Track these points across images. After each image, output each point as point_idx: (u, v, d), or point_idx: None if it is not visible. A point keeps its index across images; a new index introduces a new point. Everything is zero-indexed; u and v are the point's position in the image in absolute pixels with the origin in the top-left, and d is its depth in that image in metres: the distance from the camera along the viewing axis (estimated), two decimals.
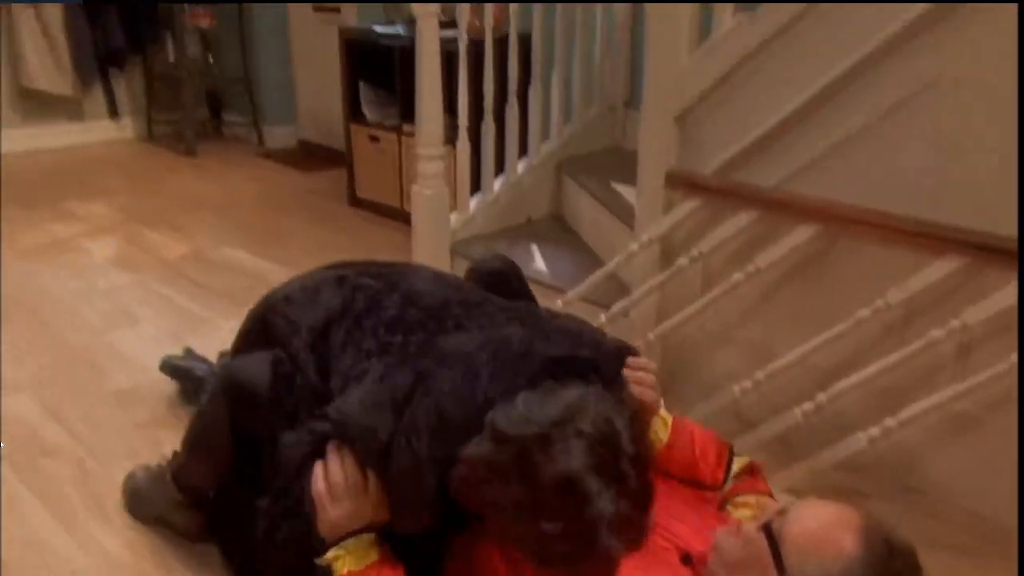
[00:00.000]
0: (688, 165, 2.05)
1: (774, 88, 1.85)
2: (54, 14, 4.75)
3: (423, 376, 1.26)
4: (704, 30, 2.02)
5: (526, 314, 1.45)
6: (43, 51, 4.78)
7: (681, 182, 2.01)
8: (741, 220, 1.91)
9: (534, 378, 1.19)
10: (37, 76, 4.80)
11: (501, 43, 2.90)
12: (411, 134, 3.56)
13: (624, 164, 3.04)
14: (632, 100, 3.26)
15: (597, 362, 1.27)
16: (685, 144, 2.04)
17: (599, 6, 3.12)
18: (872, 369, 1.70)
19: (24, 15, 4.68)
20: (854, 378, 1.72)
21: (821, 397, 1.76)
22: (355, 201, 4.02)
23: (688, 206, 2.00)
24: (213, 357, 2.33)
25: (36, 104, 4.94)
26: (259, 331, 1.55)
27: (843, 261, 1.83)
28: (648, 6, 2.01)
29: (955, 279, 1.64)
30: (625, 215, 2.58)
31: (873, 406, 1.75)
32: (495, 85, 2.90)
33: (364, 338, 1.40)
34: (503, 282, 1.65)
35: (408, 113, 3.53)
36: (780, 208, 1.83)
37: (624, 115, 3.28)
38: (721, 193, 1.94)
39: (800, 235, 1.80)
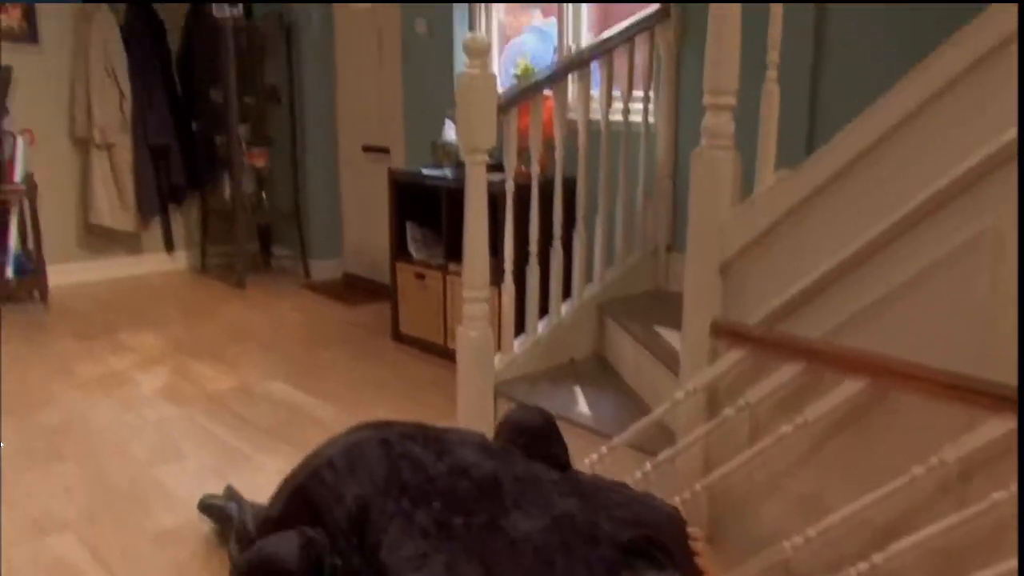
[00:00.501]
0: (733, 314, 2.07)
1: (817, 242, 1.89)
2: (124, 157, 5.04)
3: (492, 568, 1.23)
4: (747, 183, 2.09)
5: (577, 485, 1.44)
6: (111, 190, 5.06)
7: (726, 332, 2.03)
8: (787, 371, 1.91)
9: (611, 568, 1.18)
10: (103, 213, 5.05)
11: (546, 187, 3.00)
12: (456, 273, 3.67)
13: (666, 306, 3.08)
14: (674, 244, 3.32)
15: (665, 543, 1.26)
16: (729, 294, 2.07)
17: (641, 151, 3.23)
18: (929, 530, 1.66)
19: (98, 158, 4.98)
20: (911, 539, 1.67)
21: (876, 558, 1.71)
22: (398, 336, 4.08)
23: (733, 356, 2.01)
24: (254, 495, 2.34)
25: (99, 239, 5.18)
26: (299, 502, 1.52)
27: (894, 415, 1.81)
28: (692, 159, 2.09)
29: (1012, 437, 1.61)
30: (668, 359, 2.59)
31: (932, 568, 1.69)
32: (540, 228, 2.98)
33: (415, 512, 1.38)
34: (542, 438, 1.64)
35: (453, 252, 3.66)
36: (826, 361, 1.83)
37: (666, 259, 3.33)
38: (766, 344, 1.95)
39: (848, 389, 1.80)
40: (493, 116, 2.60)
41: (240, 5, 4.98)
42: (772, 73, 1.99)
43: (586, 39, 3.77)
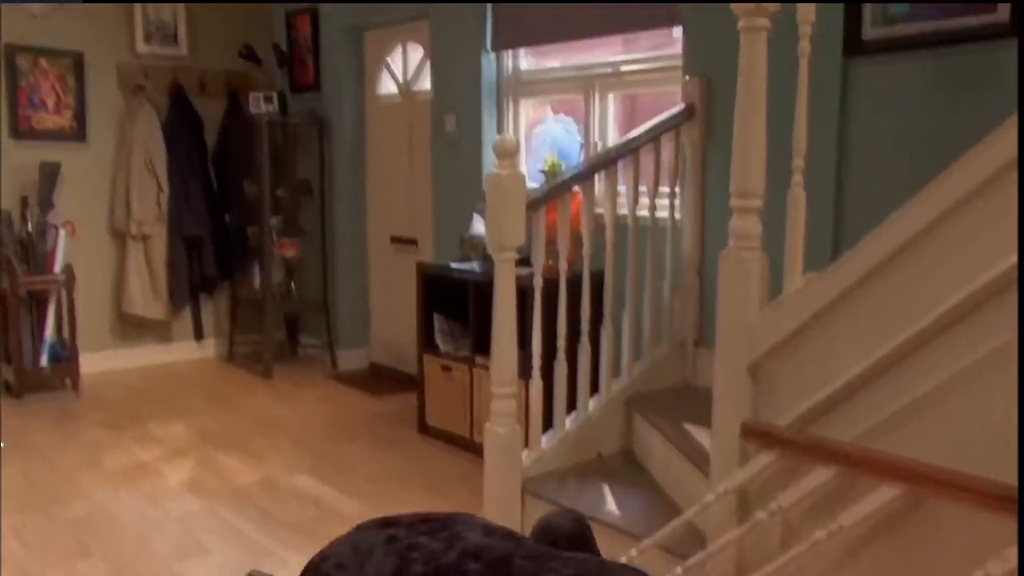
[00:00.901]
0: (763, 415, 2.06)
1: (846, 345, 1.89)
2: (159, 248, 5.18)
3: None
4: (775, 284, 2.11)
5: (590, 565, 1.42)
6: (144, 280, 5.18)
7: (756, 434, 2.02)
8: (820, 475, 1.88)
9: None
10: (136, 302, 5.16)
11: (574, 282, 3.03)
12: (483, 366, 3.69)
13: (695, 402, 3.07)
14: (701, 339, 3.33)
15: None
16: (759, 394, 2.07)
17: (668, 246, 3.27)
18: None
19: (134, 249, 5.12)
20: None
21: None
22: (424, 428, 4.07)
23: (764, 459, 1.99)
24: None
25: (131, 327, 5.28)
26: None
27: (933, 522, 1.77)
28: (720, 260, 2.11)
29: None
30: (698, 458, 2.57)
31: None
32: (568, 323, 3.00)
33: None
34: (576, 542, 1.61)
35: (480, 345, 3.68)
36: (861, 466, 1.81)
37: (694, 353, 3.33)
38: (797, 447, 1.93)
39: (884, 495, 1.77)
40: (522, 215, 2.66)
41: (275, 102, 5.17)
42: (798, 178, 2.03)
43: (612, 132, 3.87)
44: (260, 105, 5.15)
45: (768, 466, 2.00)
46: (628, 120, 3.98)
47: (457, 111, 4.40)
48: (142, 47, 5.16)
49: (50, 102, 4.90)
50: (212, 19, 5.41)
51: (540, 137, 4.30)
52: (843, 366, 1.89)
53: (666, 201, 3.30)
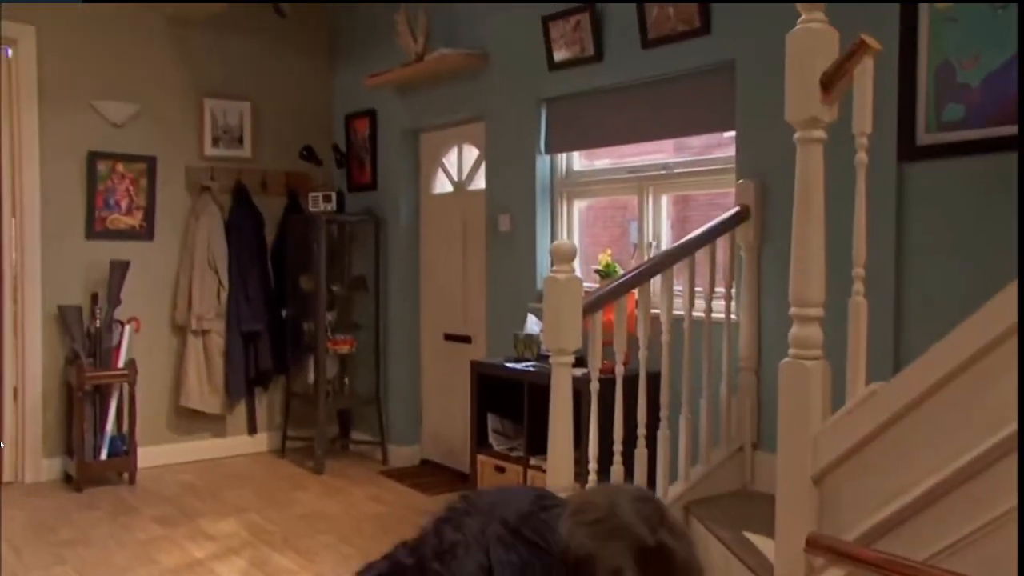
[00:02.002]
0: (828, 528, 2.02)
1: (916, 457, 1.86)
2: (217, 342, 5.31)
3: None
4: (839, 392, 2.09)
5: None
6: (202, 374, 5.30)
7: (823, 548, 1.98)
8: None
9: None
10: (193, 396, 5.27)
11: (630, 382, 3.04)
12: (537, 467, 3.67)
13: (754, 509, 3.01)
14: (760, 442, 3.29)
15: None
16: (824, 506, 2.03)
17: (724, 346, 3.27)
18: None
19: (193, 343, 5.26)
20: None
21: None
22: None
23: (834, 575, 1.95)
24: None
25: (187, 420, 5.37)
26: None
27: None
28: (781, 370, 2.11)
29: None
30: (760, 569, 2.51)
31: None
32: (624, 425, 2.99)
33: None
34: None
35: (534, 446, 3.67)
36: None
37: (752, 457, 3.29)
38: (867, 564, 1.89)
39: None
40: (579, 319, 2.69)
41: (333, 200, 5.34)
42: (859, 287, 2.04)
43: (666, 232, 3.92)
44: (319, 203, 5.33)
45: None
46: (681, 220, 4.03)
47: (511, 210, 4.51)
48: (210, 150, 5.41)
49: (123, 203, 5.15)
50: (275, 122, 5.66)
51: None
52: (913, 480, 1.86)
53: (722, 302, 3.31)
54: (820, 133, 2.07)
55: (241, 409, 5.56)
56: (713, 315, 3.27)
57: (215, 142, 5.43)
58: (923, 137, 2.79)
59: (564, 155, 4.38)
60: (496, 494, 1.57)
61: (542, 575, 1.41)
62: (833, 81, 2.00)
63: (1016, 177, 2.44)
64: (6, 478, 4.88)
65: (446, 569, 1.41)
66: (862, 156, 2.02)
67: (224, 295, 5.32)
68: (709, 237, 3.20)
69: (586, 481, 2.89)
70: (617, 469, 2.96)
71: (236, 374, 5.37)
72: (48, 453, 4.96)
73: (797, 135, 2.10)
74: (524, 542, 1.43)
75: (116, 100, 5.10)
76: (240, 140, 5.52)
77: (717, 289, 3.33)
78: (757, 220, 3.30)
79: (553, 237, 4.37)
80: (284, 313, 5.58)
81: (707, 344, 3.23)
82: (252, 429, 5.61)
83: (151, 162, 5.20)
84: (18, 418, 4.91)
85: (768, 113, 3.23)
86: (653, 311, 3.24)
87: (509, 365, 3.95)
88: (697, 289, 3.29)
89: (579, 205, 4.40)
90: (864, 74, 2.02)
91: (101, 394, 4.91)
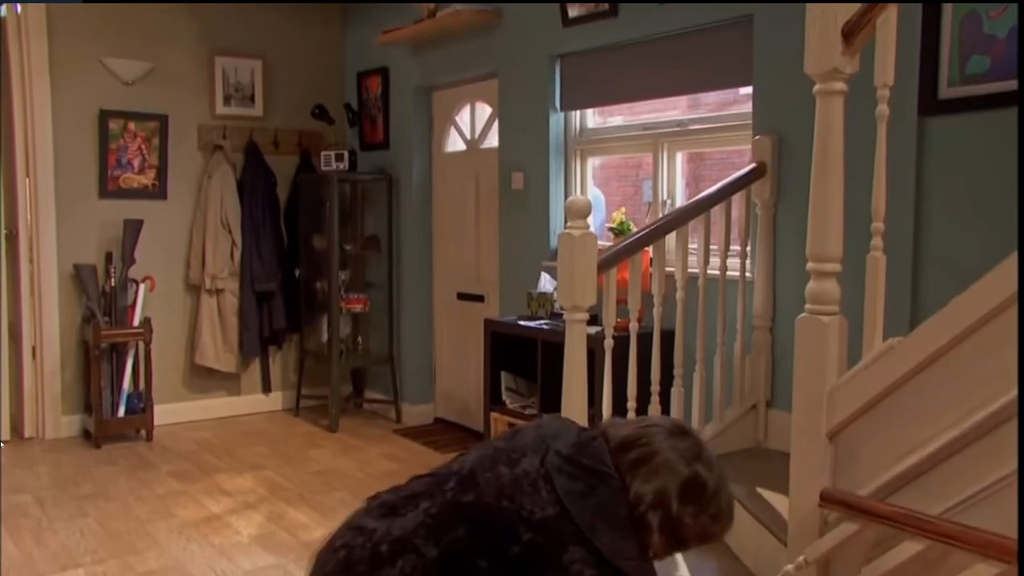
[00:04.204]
0: (843, 483, 2.02)
1: (933, 412, 1.85)
2: (231, 301, 5.33)
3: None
4: (854, 349, 2.08)
5: None
6: (217, 333, 5.33)
7: (838, 502, 1.98)
8: (907, 549, 1.84)
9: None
10: (208, 355, 5.30)
11: (644, 341, 3.04)
12: None
13: (767, 466, 3.02)
14: (773, 400, 3.28)
15: None
16: (839, 462, 2.03)
17: (739, 304, 3.26)
18: None
19: (207, 303, 5.28)
20: None
21: None
22: None
23: (847, 529, 1.95)
24: None
25: (202, 379, 5.41)
26: None
27: None
28: (797, 326, 2.10)
29: None
30: (773, 525, 2.52)
31: None
32: (637, 382, 3.00)
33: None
34: None
35: (548, 403, 3.68)
36: (952, 541, 1.76)
37: (766, 415, 3.29)
38: (882, 518, 1.89)
39: (982, 573, 1.71)
40: (593, 275, 2.68)
41: (346, 159, 5.32)
42: (877, 242, 2.02)
43: (680, 190, 3.89)
44: (331, 162, 5.31)
45: (851, 537, 1.95)
46: (696, 178, 4.01)
47: (524, 168, 4.48)
48: (221, 108, 5.38)
49: (136, 162, 5.13)
50: (287, 80, 5.62)
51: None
52: (929, 435, 1.85)
53: (737, 260, 3.29)
54: (840, 85, 2.03)
55: (255, 368, 5.60)
56: (728, 273, 3.25)
57: (227, 100, 5.40)
58: (945, 91, 2.74)
59: (578, 112, 4.35)
60: (537, 429, 1.60)
61: (610, 498, 1.46)
62: (855, 31, 1.95)
63: None
64: (27, 434, 4.95)
65: (514, 504, 1.44)
66: (883, 109, 1.99)
67: (237, 254, 5.33)
68: (725, 194, 3.17)
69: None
70: None
71: (250, 333, 5.40)
72: (68, 410, 5.02)
73: (817, 87, 2.06)
74: (584, 469, 1.47)
75: (127, 58, 5.07)
76: (252, 98, 5.49)
77: (732, 247, 3.31)
78: (773, 177, 3.26)
79: (567, 195, 4.35)
80: (297, 272, 5.59)
81: (722, 302, 3.22)
82: (266, 388, 5.65)
83: (163, 121, 5.18)
84: (37, 376, 4.96)
85: (785, 68, 3.19)
86: (668, 269, 3.23)
87: (522, 323, 3.95)
88: (712, 247, 3.27)
89: (593, 163, 4.37)
90: (887, 24, 1.97)
91: (117, 352, 4.95)
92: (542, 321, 3.92)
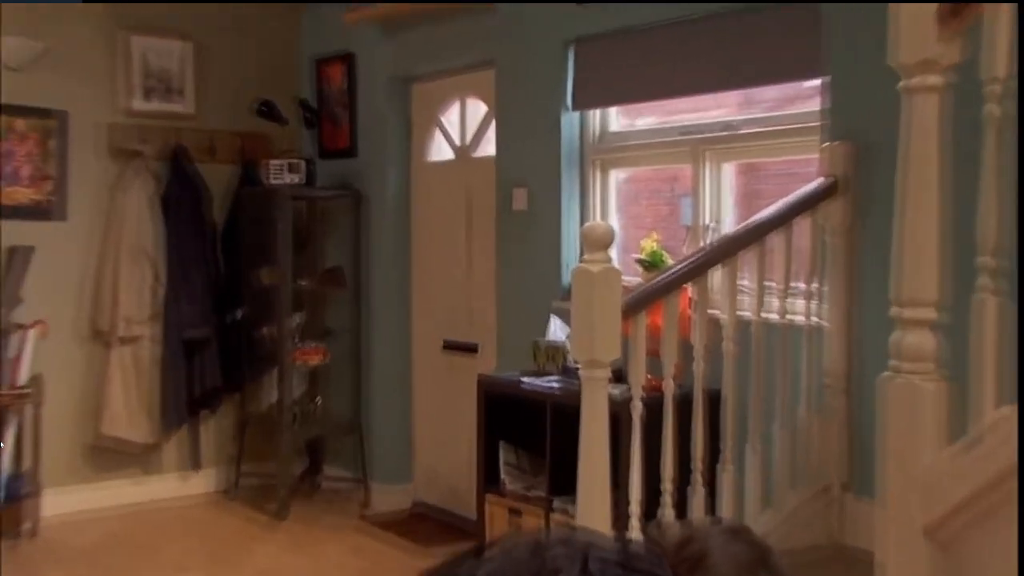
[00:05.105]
0: None
1: None
2: (151, 353, 5.31)
3: None
4: (959, 419, 2.06)
5: None
6: (130, 394, 5.30)
7: None
8: None
9: None
10: (119, 422, 5.27)
11: (683, 404, 3.02)
12: (563, 510, 3.66)
13: (845, 569, 2.99)
14: (852, 482, 3.26)
15: None
16: (942, 567, 2.01)
17: (804, 358, 3.24)
18: None
19: (119, 354, 5.26)
20: None
21: None
22: None
23: None
24: None
25: (109, 454, 5.36)
26: None
27: None
28: (879, 386, 2.09)
29: None
30: None
31: None
32: (675, 458, 2.98)
33: None
34: None
35: (559, 485, 3.65)
36: None
37: (842, 501, 3.26)
38: None
39: None
40: (617, 321, 2.68)
41: (301, 170, 5.33)
42: (985, 281, 2.01)
43: (728, 211, 3.90)
44: (282, 174, 5.33)
45: None
46: (749, 195, 4.01)
47: (529, 184, 4.49)
48: (139, 104, 5.41)
49: (25, 172, 5.08)
50: (224, 68, 5.65)
51: None
52: None
53: (801, 301, 3.29)
54: (936, 79, 2.04)
55: (181, 438, 5.56)
56: (790, 318, 3.25)
57: (146, 94, 5.43)
58: None
59: (597, 112, 4.37)
60: (560, 538, 1.60)
61: None
62: (956, 11, 1.96)
63: None
64: None
65: None
66: (992, 109, 1.99)
67: (160, 291, 5.32)
68: (785, 217, 3.17)
69: (627, 529, 2.87)
70: (667, 515, 2.95)
71: (175, 393, 5.37)
72: None
73: (904, 82, 2.07)
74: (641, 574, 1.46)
75: (13, 35, 4.94)
76: (179, 91, 5.52)
77: (795, 284, 3.31)
78: (850, 195, 3.27)
79: (583, 218, 4.36)
80: (238, 315, 5.58)
81: (782, 355, 3.21)
82: (195, 464, 5.61)
83: (62, 118, 5.18)
84: None
85: (868, 53, 3.18)
86: (712, 312, 3.22)
87: (527, 381, 3.94)
88: (769, 284, 3.27)
89: (616, 176, 4.39)
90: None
91: None
92: (552, 379, 3.91)
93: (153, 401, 5.35)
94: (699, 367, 3.01)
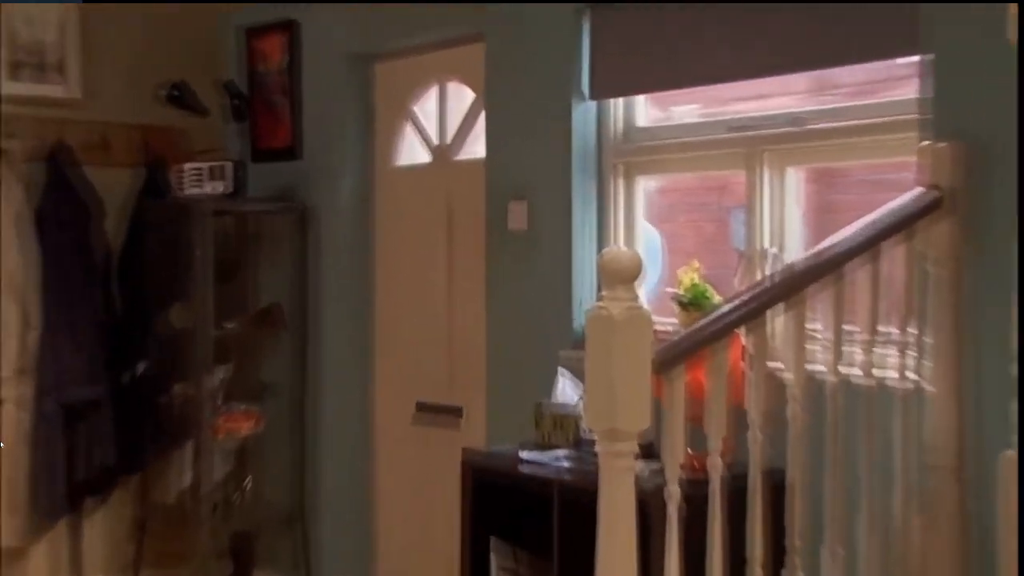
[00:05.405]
0: None
1: None
2: (16, 421, 5.26)
3: None
4: None
5: None
6: None
7: None
8: None
9: None
10: None
11: (735, 491, 3.00)
12: None
13: None
14: None
15: None
16: None
17: (900, 430, 3.23)
18: None
19: None
20: None
21: None
22: None
23: None
24: None
25: None
26: None
27: None
28: (1006, 469, 2.08)
29: None
30: None
31: None
32: (725, 563, 2.95)
33: None
34: None
35: None
36: None
37: None
38: None
39: None
40: (647, 380, 2.66)
41: (227, 176, 5.31)
42: None
43: (795, 233, 3.90)
44: (201, 181, 5.32)
45: None
46: (822, 210, 4.02)
47: (530, 195, 4.50)
48: (6, 85, 5.39)
49: None
50: (121, 39, 5.65)
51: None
52: None
53: (894, 354, 3.28)
54: None
55: (57, 539, 5.51)
56: (879, 375, 3.23)
57: (14, 71, 5.41)
58: None
59: (620, 102, 4.39)
60: None
61: None
62: None
63: None
64: None
65: None
66: None
67: (31, 338, 5.29)
68: (872, 241, 3.16)
69: None
70: None
71: (49, 477, 5.32)
72: None
73: None
74: None
75: None
76: (58, 69, 5.52)
77: (886, 331, 3.30)
78: (959, 211, 3.26)
79: (602, 242, 4.37)
80: (139, 370, 5.55)
81: (869, 426, 3.19)
82: (75, 571, 5.57)
83: None
84: None
85: (983, 26, 3.19)
86: (774, 367, 3.20)
87: (527, 459, 3.92)
88: (850, 330, 3.26)
89: (646, 186, 4.40)
90: None
91: None
92: (560, 454, 3.90)
93: (18, 488, 5.29)
94: (756, 441, 3.00)
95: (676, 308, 3.83)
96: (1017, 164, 1.97)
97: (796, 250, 3.87)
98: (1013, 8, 2.06)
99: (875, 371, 3.22)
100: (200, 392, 5.22)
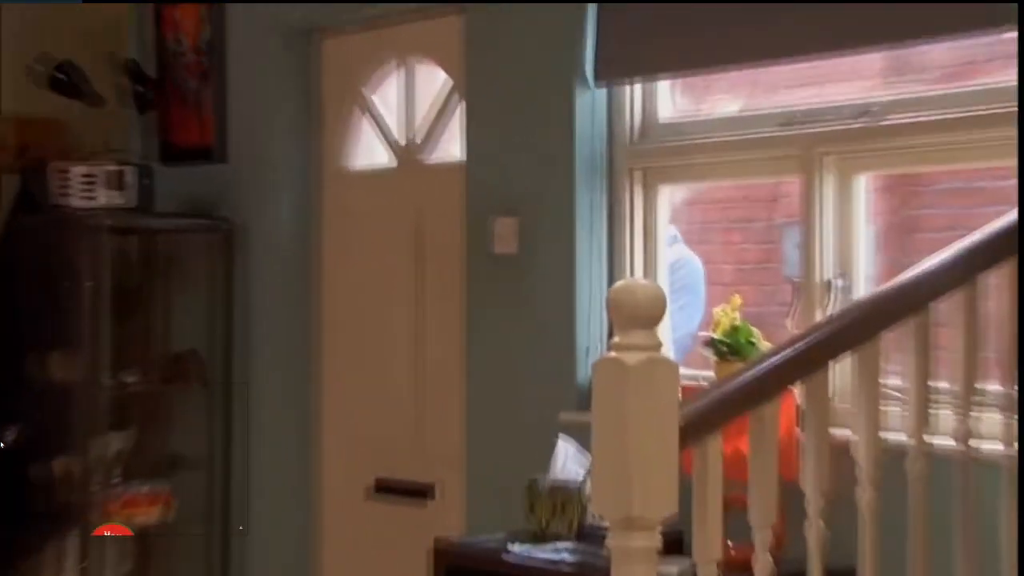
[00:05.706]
0: None
1: None
2: None
3: None
4: None
5: None
6: None
7: None
8: None
9: None
10: None
11: None
12: None
13: None
14: None
15: None
16: None
17: (1006, 519, 3.26)
18: None
19: None
20: None
21: None
22: None
23: None
24: None
25: None
26: None
27: None
28: None
29: None
30: None
31: None
32: None
33: None
34: None
35: None
36: None
37: None
38: None
39: None
40: (673, 450, 2.68)
41: (128, 182, 5.33)
42: None
43: (864, 256, 3.93)
44: (94, 189, 5.34)
45: None
46: (902, 227, 4.05)
47: (521, 209, 4.53)
48: None
49: None
50: None
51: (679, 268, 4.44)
52: None
53: (997, 416, 3.30)
54: None
55: None
56: (977, 444, 3.25)
57: None
58: None
59: (636, 89, 4.43)
60: None
61: None
62: None
63: None
64: None
65: None
66: None
67: None
68: (967, 269, 3.20)
69: None
70: None
71: None
72: None
73: None
74: None
75: None
76: None
77: (985, 387, 3.32)
78: None
79: (613, 270, 4.40)
80: (7, 436, 5.57)
81: (963, 510, 3.22)
82: None
83: None
84: None
85: None
86: (838, 434, 3.23)
87: (517, 553, 3.94)
88: (939, 385, 3.29)
89: (671, 196, 4.43)
90: None
91: None
92: (560, 547, 3.91)
93: None
94: (815, 529, 3.02)
95: (711, 357, 3.85)
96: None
97: (867, 281, 3.90)
98: None
99: (972, 440, 3.25)
100: (87, 466, 5.23)
